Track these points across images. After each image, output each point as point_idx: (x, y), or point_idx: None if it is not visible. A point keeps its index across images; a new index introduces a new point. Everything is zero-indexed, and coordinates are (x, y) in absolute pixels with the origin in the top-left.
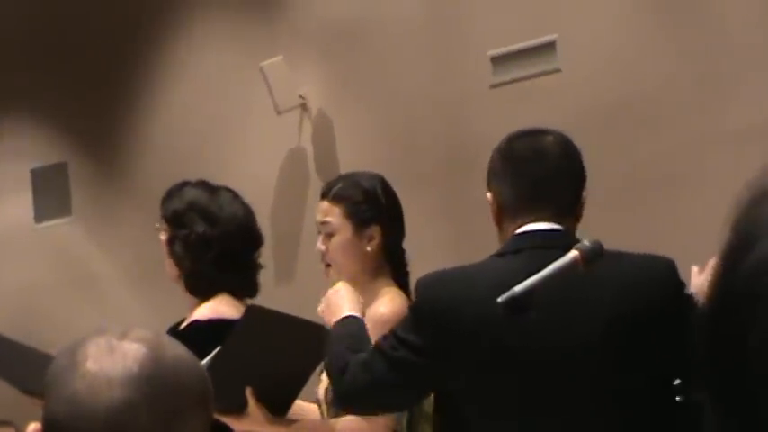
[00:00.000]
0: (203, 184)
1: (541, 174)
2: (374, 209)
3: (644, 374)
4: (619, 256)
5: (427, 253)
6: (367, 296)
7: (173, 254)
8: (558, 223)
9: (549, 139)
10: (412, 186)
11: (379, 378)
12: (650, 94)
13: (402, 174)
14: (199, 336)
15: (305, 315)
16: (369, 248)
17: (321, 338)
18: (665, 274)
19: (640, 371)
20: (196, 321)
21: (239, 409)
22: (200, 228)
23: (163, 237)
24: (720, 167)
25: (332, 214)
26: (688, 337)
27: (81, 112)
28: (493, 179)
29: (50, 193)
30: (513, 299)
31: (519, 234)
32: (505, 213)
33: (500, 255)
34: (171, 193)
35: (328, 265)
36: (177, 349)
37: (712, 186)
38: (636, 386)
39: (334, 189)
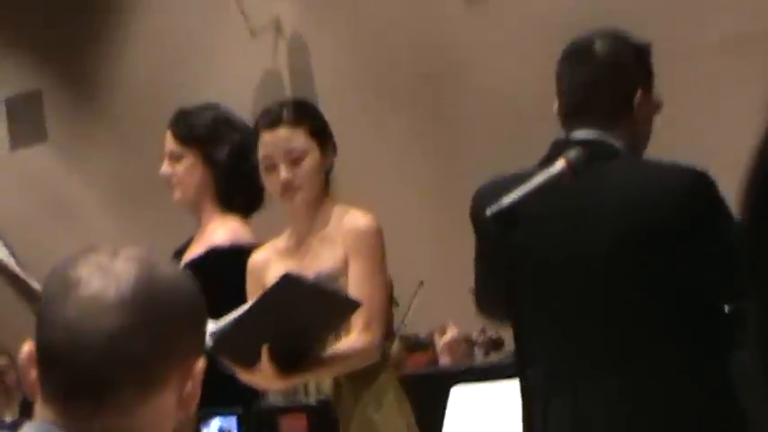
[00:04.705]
0: (207, 105)
1: (580, 77)
2: (326, 125)
3: (657, 286)
4: (640, 165)
5: (405, 168)
6: (322, 215)
7: (212, 168)
8: (607, 128)
9: (596, 40)
10: (390, 104)
11: (479, 286)
12: (634, 5)
13: (379, 92)
14: (222, 261)
15: (274, 235)
16: (329, 166)
17: (348, 311)
18: (684, 184)
19: (652, 283)
20: (218, 247)
21: (252, 362)
22: (238, 136)
23: (186, 161)
24: (704, 78)
25: (296, 138)
26: (715, 247)
27: (54, 39)
28: (556, 86)
29: (25, 121)
30: (500, 211)
31: (554, 142)
32: (562, 119)
33: (541, 163)
34: (183, 116)
35: (295, 190)
36: (170, 268)
37: (698, 96)
38: (645, 297)
39: (286, 113)
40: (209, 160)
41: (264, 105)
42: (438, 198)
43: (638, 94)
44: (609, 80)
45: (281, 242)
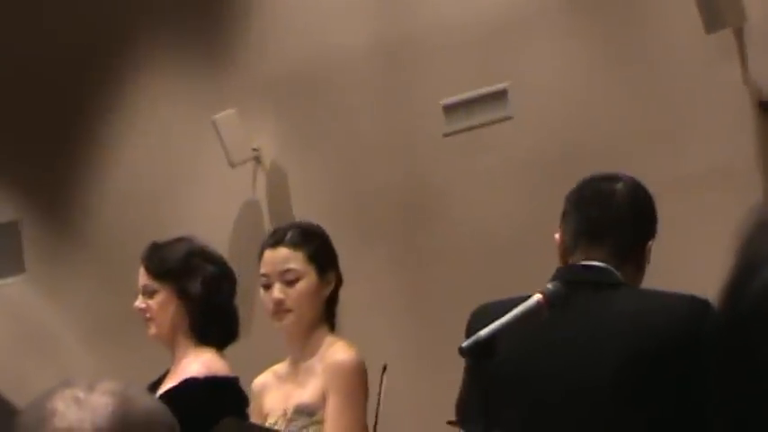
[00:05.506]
0: (180, 238)
1: (600, 215)
2: (331, 254)
3: (656, 411)
4: (642, 294)
5: (381, 300)
6: (313, 343)
7: (186, 302)
8: (614, 266)
9: (618, 184)
10: (367, 236)
11: (463, 396)
12: (602, 140)
13: (357, 223)
14: (197, 393)
15: (260, 369)
16: (326, 294)
17: None
18: (685, 312)
19: (652, 408)
20: (193, 379)
21: None
22: (212, 268)
23: (160, 295)
24: (675, 212)
25: (294, 260)
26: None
27: (32, 169)
28: (561, 220)
29: (3, 252)
30: (476, 344)
31: (559, 268)
32: (567, 251)
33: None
34: (156, 250)
35: (286, 311)
36: (147, 401)
37: (666, 231)
38: (644, 422)
39: (290, 235)
40: (182, 294)
41: (242, 236)
42: (412, 331)
43: (652, 240)
44: (631, 221)
45: (281, 367)
